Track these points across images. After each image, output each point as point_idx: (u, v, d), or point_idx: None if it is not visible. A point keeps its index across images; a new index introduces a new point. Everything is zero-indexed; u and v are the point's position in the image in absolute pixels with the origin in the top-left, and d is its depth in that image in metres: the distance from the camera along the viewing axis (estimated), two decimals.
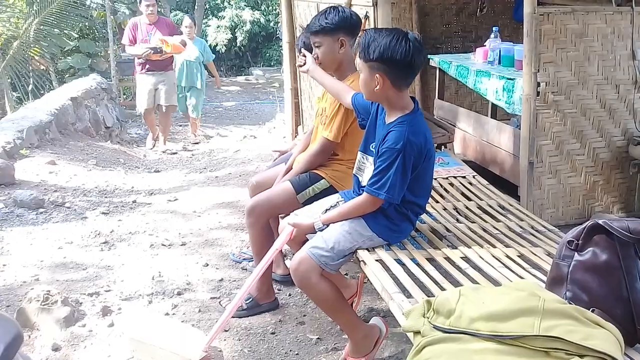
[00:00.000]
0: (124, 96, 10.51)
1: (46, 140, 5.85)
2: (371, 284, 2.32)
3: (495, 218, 2.78)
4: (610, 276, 1.55)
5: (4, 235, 3.80)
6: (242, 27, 16.80)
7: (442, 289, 1.97)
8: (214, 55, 8.05)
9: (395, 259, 2.24)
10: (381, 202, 2.23)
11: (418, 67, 2.21)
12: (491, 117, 4.29)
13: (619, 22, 3.26)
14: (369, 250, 2.31)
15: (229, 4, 17.27)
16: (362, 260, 2.28)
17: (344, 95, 2.57)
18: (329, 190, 2.76)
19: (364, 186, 2.29)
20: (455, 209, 2.93)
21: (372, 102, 2.35)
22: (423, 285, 2.06)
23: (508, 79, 3.57)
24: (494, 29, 4.03)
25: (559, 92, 3.24)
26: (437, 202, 3.01)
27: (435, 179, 3.16)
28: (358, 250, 2.31)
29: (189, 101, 7.49)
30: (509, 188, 3.44)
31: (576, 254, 1.60)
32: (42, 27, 9.30)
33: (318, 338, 2.68)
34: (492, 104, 4.21)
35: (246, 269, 3.36)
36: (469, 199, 3.08)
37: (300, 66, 2.83)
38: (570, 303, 1.56)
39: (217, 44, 16.30)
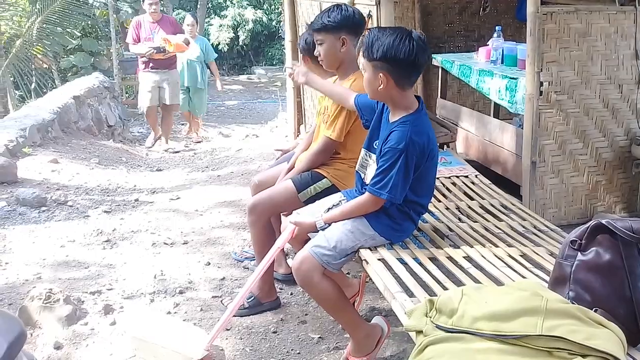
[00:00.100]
0: (127, 95, 10.53)
1: (49, 139, 5.86)
2: (373, 283, 2.32)
3: (497, 217, 2.77)
4: (613, 276, 1.55)
5: (6, 233, 3.81)
6: (244, 26, 16.81)
7: (445, 288, 1.97)
8: (216, 55, 8.05)
9: (397, 258, 2.24)
10: (383, 201, 2.23)
11: (422, 66, 2.20)
12: (493, 117, 4.28)
13: (622, 21, 3.25)
14: (371, 250, 2.31)
15: (232, 3, 17.28)
16: (365, 260, 2.28)
17: (346, 98, 2.56)
18: (331, 190, 2.76)
19: (367, 184, 2.29)
20: (458, 208, 2.93)
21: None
22: (425, 284, 2.06)
23: (511, 78, 3.56)
24: (496, 28, 4.02)
25: (561, 91, 3.23)
26: (440, 201, 3.01)
27: (438, 178, 3.15)
28: (360, 250, 2.30)
29: (191, 101, 7.49)
30: (511, 187, 3.43)
31: (579, 253, 1.60)
32: (44, 25, 9.31)
33: (320, 337, 2.68)
34: (495, 103, 4.20)
35: (248, 268, 3.37)
36: (471, 198, 3.08)
37: (292, 78, 2.81)
38: (573, 303, 1.56)
39: (219, 43, 16.31)
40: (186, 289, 3.13)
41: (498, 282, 2.01)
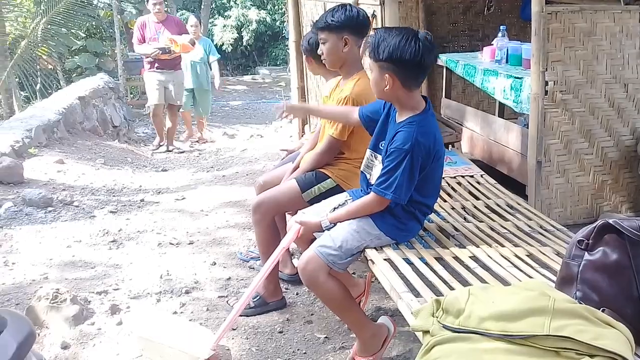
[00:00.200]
0: (131, 95, 10.55)
1: (54, 139, 5.88)
2: (378, 283, 2.32)
3: (503, 217, 2.77)
4: (620, 276, 1.54)
5: (13, 233, 3.83)
6: (248, 26, 16.83)
7: (451, 288, 1.97)
8: (219, 55, 8.05)
9: (403, 258, 2.24)
10: (388, 202, 2.23)
11: (428, 67, 2.20)
12: (498, 116, 4.28)
13: (627, 20, 3.24)
14: (377, 250, 2.31)
15: (235, 3, 17.31)
16: (371, 260, 2.28)
17: (349, 115, 2.56)
18: (335, 190, 2.76)
19: (372, 184, 2.29)
20: (464, 208, 2.93)
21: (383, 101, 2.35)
22: (432, 284, 2.05)
23: (516, 77, 3.56)
24: (501, 27, 4.02)
25: (567, 91, 3.23)
26: (445, 201, 3.01)
27: (443, 178, 3.14)
28: (366, 249, 2.30)
29: (196, 102, 7.48)
30: (516, 187, 3.43)
31: (586, 253, 1.59)
32: (49, 26, 9.34)
33: (326, 337, 2.68)
34: (499, 102, 4.20)
35: (253, 268, 3.37)
36: (477, 198, 3.08)
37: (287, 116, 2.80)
38: (580, 303, 1.56)
39: (223, 43, 16.34)
40: (192, 289, 3.14)
41: (505, 282, 2.01)
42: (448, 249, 2.35)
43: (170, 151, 6.95)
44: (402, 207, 2.28)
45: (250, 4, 17.27)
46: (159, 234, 3.92)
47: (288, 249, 2.85)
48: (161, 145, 7.05)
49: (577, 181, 3.38)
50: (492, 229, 2.60)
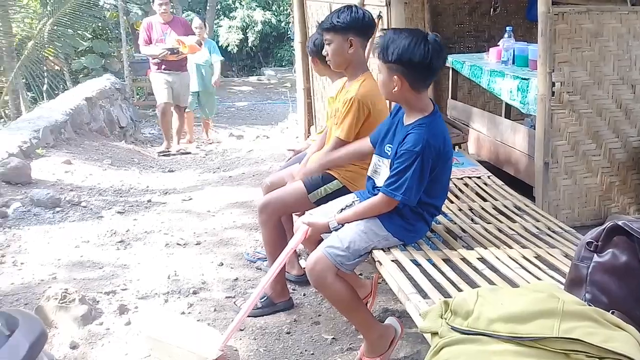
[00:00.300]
0: (138, 96, 10.58)
1: (62, 140, 5.91)
2: (385, 284, 2.32)
3: (510, 219, 2.77)
4: (630, 277, 1.54)
5: (21, 234, 3.85)
6: (253, 27, 16.85)
7: (459, 289, 1.97)
8: (222, 57, 8.06)
9: (411, 260, 2.25)
10: (396, 203, 2.23)
11: (437, 69, 2.21)
12: (505, 117, 4.27)
13: (634, 21, 3.23)
14: (384, 251, 2.31)
15: (240, 5, 17.34)
16: (378, 261, 2.28)
17: (363, 148, 2.56)
18: (342, 191, 2.76)
19: (379, 187, 2.29)
20: (471, 209, 2.93)
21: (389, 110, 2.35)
22: (440, 285, 2.06)
23: (522, 78, 3.55)
24: (507, 28, 4.01)
25: (574, 92, 3.22)
26: (452, 202, 3.01)
27: (450, 179, 3.15)
28: (373, 250, 2.31)
29: (200, 103, 7.49)
30: (524, 189, 3.43)
31: (595, 255, 1.59)
32: (55, 27, 9.37)
33: (333, 338, 2.69)
34: (506, 104, 4.19)
35: (260, 269, 3.38)
36: (484, 199, 3.08)
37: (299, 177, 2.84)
38: (589, 305, 1.56)
39: (228, 45, 16.36)
40: (200, 290, 3.15)
41: (513, 284, 2.01)
42: (456, 250, 2.35)
43: (177, 151, 6.92)
44: (410, 208, 2.28)
45: (256, 5, 17.30)
46: (167, 234, 3.94)
47: (295, 249, 2.86)
48: (168, 150, 6.97)
49: (584, 182, 3.37)
50: (499, 230, 2.60)
